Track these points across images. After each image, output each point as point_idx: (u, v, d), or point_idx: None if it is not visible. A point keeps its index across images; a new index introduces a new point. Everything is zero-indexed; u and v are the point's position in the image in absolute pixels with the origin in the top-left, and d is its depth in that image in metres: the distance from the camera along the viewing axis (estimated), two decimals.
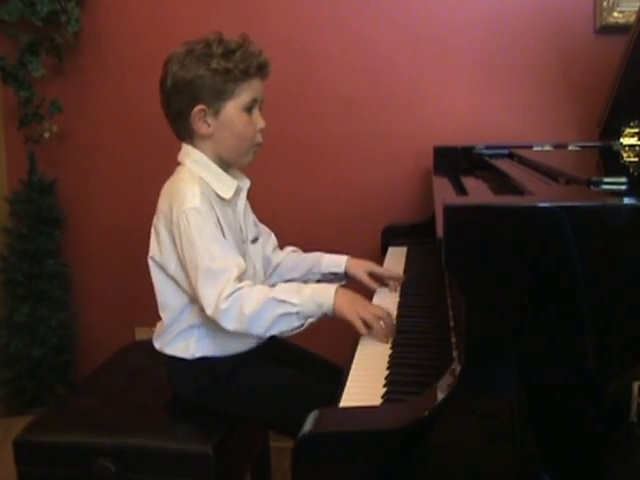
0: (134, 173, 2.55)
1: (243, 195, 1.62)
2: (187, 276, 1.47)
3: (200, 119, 1.51)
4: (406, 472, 0.97)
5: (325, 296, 1.44)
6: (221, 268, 1.42)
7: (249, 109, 1.53)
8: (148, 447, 1.48)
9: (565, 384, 0.95)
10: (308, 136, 2.36)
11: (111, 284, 2.63)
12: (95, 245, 2.62)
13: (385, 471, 0.98)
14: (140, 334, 2.56)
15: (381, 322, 1.43)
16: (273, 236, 1.79)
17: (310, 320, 1.45)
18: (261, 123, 1.55)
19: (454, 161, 2.15)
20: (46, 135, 2.44)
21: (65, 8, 2.37)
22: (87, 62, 2.52)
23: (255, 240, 1.68)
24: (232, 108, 1.51)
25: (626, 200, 0.96)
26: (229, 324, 1.42)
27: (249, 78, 1.51)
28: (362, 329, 1.43)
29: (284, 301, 1.42)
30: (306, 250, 1.83)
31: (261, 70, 1.53)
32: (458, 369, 0.97)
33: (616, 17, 2.21)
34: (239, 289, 1.41)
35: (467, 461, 0.98)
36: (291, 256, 1.78)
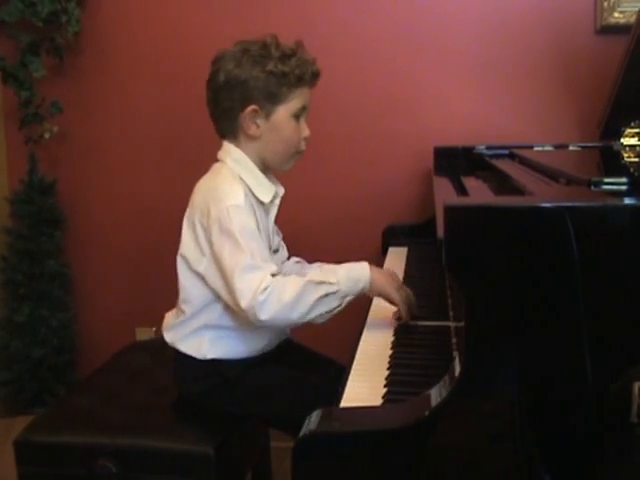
0: (134, 173, 2.55)
1: (277, 202, 1.62)
2: (219, 270, 1.45)
3: (250, 119, 1.50)
4: (406, 472, 0.97)
5: (360, 271, 1.47)
6: (261, 265, 1.43)
7: (297, 116, 1.53)
8: (149, 447, 1.48)
9: (565, 384, 0.95)
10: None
11: (111, 284, 2.63)
12: (95, 245, 2.62)
13: (385, 471, 0.98)
14: (140, 334, 2.56)
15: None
16: (285, 249, 1.79)
17: (348, 299, 1.45)
18: (306, 131, 1.56)
19: (455, 161, 2.15)
20: (46, 135, 2.44)
21: (65, 8, 2.36)
22: (87, 62, 2.52)
23: (276, 251, 1.68)
24: (283, 113, 1.51)
25: (627, 200, 0.96)
26: (264, 314, 1.40)
27: (302, 85, 1.52)
28: (402, 304, 1.48)
29: (322, 282, 1.43)
30: (306, 253, 1.82)
31: (313, 79, 1.55)
32: (458, 369, 0.97)
33: (617, 17, 2.21)
34: (274, 282, 1.41)
35: (467, 461, 0.97)
36: (296, 267, 1.77)
